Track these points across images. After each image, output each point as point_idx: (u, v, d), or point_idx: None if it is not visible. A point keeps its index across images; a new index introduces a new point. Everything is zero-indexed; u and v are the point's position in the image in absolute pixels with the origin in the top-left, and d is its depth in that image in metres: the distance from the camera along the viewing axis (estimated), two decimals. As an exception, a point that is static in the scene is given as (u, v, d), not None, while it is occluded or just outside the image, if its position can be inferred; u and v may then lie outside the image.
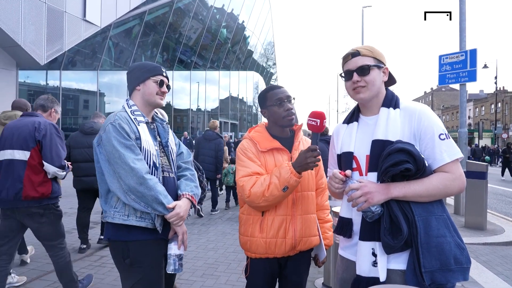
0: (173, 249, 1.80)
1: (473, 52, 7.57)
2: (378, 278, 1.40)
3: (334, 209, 2.35)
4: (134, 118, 1.84)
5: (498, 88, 41.51)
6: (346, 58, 1.58)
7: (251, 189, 1.81)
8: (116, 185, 1.72)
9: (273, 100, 1.98)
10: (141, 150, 1.78)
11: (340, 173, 1.50)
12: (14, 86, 13.65)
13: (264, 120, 2.24)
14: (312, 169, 1.76)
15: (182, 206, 1.82)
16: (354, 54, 1.55)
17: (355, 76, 1.53)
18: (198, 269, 4.08)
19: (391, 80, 1.64)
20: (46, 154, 2.85)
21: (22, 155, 2.83)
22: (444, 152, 1.41)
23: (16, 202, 2.80)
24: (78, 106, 17.56)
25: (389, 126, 1.47)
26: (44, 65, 13.52)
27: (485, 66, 31.14)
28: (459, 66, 7.76)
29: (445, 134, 1.44)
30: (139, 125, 1.84)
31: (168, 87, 2.00)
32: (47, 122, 2.96)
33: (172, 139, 2.02)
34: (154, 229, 1.77)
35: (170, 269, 1.78)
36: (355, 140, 1.57)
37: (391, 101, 1.53)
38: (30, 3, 12.43)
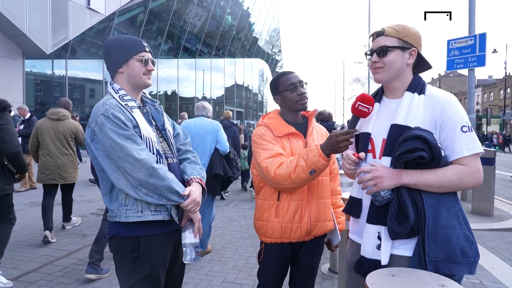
0: (189, 237, 1.68)
1: (482, 36, 7.43)
2: (380, 261, 1.42)
3: (343, 195, 2.36)
4: (125, 104, 1.64)
5: (507, 73, 40.77)
6: (372, 37, 1.55)
7: (276, 170, 1.80)
8: (123, 181, 1.55)
9: (286, 85, 1.97)
10: (141, 139, 1.61)
11: (353, 154, 1.48)
12: (20, 76, 13.73)
13: (270, 108, 2.24)
14: (340, 152, 1.71)
15: (196, 191, 1.68)
16: (379, 33, 1.52)
17: (374, 57, 1.52)
18: (205, 256, 4.14)
19: (424, 65, 1.58)
20: None
21: None
22: (464, 145, 1.38)
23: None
24: (85, 95, 17.63)
25: (410, 111, 1.43)
26: (50, 54, 13.56)
27: (495, 51, 30.55)
28: (468, 51, 7.63)
29: (468, 126, 1.40)
30: (132, 111, 1.65)
31: (153, 62, 1.77)
32: None
33: (167, 121, 1.86)
34: (168, 221, 1.65)
35: (187, 259, 1.66)
36: (374, 122, 1.55)
37: (417, 86, 1.48)
38: (35, -8, 12.40)
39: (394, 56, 1.48)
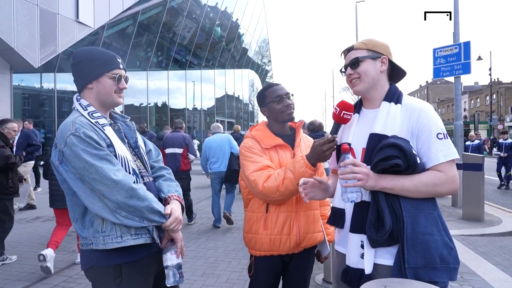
0: (170, 259, 1.58)
1: (467, 44, 7.60)
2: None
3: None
4: (95, 122, 1.53)
5: (492, 80, 41.68)
6: (344, 54, 1.64)
7: (264, 183, 1.80)
8: (100, 205, 1.43)
9: (272, 97, 1.99)
10: (116, 158, 1.51)
11: (342, 146, 1.46)
12: (8, 90, 13.56)
13: (261, 118, 2.25)
14: (326, 160, 1.73)
15: (177, 209, 1.60)
16: (349, 49, 1.61)
17: (348, 70, 1.59)
18: (198, 268, 4.09)
19: (399, 73, 1.63)
20: (190, 150, 6.28)
21: (179, 150, 6.16)
22: (440, 152, 1.40)
23: (177, 171, 5.98)
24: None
25: (388, 120, 1.47)
26: (38, 68, 13.44)
27: (479, 58, 31.21)
28: (453, 59, 7.80)
29: (443, 134, 1.43)
30: (104, 129, 1.54)
31: (126, 80, 1.65)
32: (187, 135, 6.42)
33: (139, 138, 1.77)
34: (148, 244, 1.55)
35: (170, 282, 1.55)
36: (353, 132, 1.59)
37: (394, 96, 1.53)
38: (23, 6, 12.35)
39: (367, 65, 1.55)
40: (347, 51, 1.61)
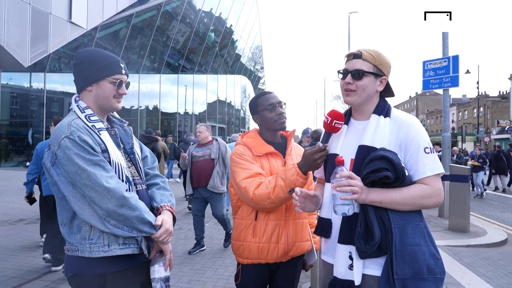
0: (158, 271, 1.54)
1: (456, 58, 7.74)
2: (353, 282, 1.42)
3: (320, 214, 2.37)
4: (92, 126, 1.50)
5: (480, 93, 42.54)
6: (349, 57, 1.57)
7: (255, 191, 1.79)
8: (89, 212, 1.40)
9: (265, 105, 1.99)
10: (110, 165, 1.47)
11: (337, 158, 1.45)
12: (-4, 89, 13.38)
13: (252, 124, 2.25)
14: (317, 169, 1.72)
15: (168, 220, 1.55)
16: (356, 55, 1.54)
17: (348, 78, 1.53)
18: (184, 275, 4.04)
19: (389, 92, 1.64)
20: None
21: None
22: (427, 165, 1.44)
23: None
24: (63, 109, 17.29)
25: (377, 133, 1.49)
26: (28, 67, 13.28)
27: (468, 72, 31.86)
28: (442, 71, 7.92)
29: (430, 148, 1.47)
30: (100, 133, 1.50)
31: (127, 85, 1.62)
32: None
33: (136, 143, 1.72)
34: (136, 254, 1.51)
35: None
36: (342, 143, 1.59)
37: (383, 110, 1.55)
38: (14, 4, 12.22)
39: (368, 81, 1.53)
40: (354, 56, 1.55)
